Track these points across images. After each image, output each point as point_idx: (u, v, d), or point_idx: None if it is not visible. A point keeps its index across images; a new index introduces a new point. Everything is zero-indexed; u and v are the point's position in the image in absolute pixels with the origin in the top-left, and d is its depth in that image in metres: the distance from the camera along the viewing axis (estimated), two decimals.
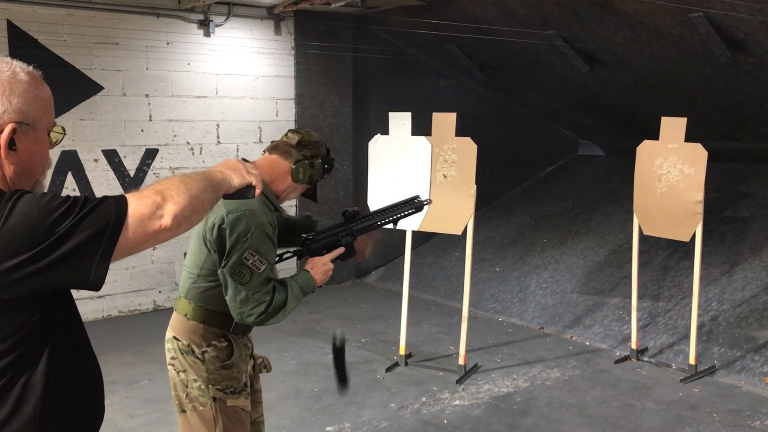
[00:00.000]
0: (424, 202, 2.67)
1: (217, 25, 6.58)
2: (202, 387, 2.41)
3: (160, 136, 6.43)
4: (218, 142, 6.75)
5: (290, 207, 7.21)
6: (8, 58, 1.42)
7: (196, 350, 2.42)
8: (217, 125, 6.74)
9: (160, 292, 6.54)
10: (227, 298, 2.34)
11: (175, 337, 2.47)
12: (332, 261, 2.50)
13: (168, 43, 6.38)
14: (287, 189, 2.52)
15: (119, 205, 1.35)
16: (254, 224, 2.30)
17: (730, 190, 7.01)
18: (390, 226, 2.66)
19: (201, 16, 6.50)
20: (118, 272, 6.28)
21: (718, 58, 5.66)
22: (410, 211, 2.65)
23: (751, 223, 6.45)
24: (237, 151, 6.86)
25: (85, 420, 1.52)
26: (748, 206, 6.73)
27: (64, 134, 1.53)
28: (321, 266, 2.46)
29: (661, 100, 6.93)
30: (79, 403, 1.48)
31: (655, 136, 5.16)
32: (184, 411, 2.46)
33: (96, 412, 1.56)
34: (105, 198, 1.36)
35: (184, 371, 2.44)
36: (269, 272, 2.34)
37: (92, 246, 1.31)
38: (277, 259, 2.46)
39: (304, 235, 2.50)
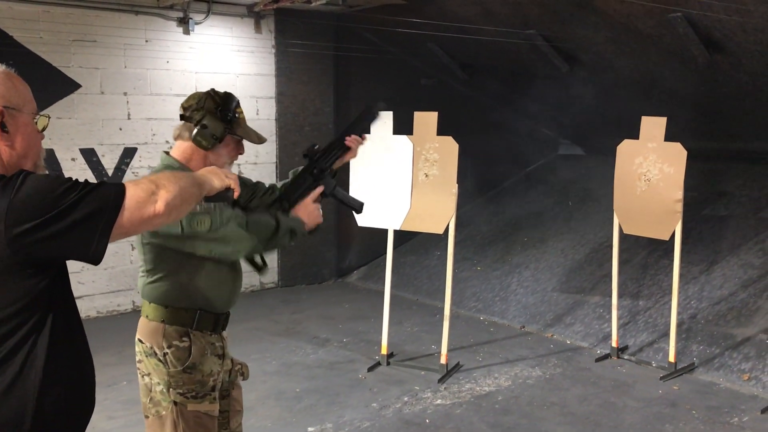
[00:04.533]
0: (378, 108, 2.70)
1: (196, 23, 6.52)
2: (164, 391, 2.32)
3: (139, 134, 6.36)
4: None
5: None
6: None
7: (158, 352, 2.32)
8: None
9: (138, 292, 6.46)
10: (214, 253, 2.29)
11: (140, 340, 2.38)
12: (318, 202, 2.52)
13: (147, 41, 6.31)
14: (209, 161, 2.36)
15: (118, 188, 1.49)
16: None
17: (708, 189, 7.08)
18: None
19: (180, 14, 6.44)
20: (96, 272, 6.21)
21: (696, 58, 5.71)
22: (368, 119, 2.71)
23: (729, 222, 6.52)
24: None
25: (80, 403, 1.60)
26: (725, 205, 6.80)
27: (49, 118, 1.63)
28: (304, 208, 2.48)
29: (640, 100, 6.98)
30: (74, 384, 1.57)
31: (634, 135, 5.19)
32: (147, 417, 2.39)
33: (89, 396, 1.64)
34: (104, 182, 1.50)
35: (148, 374, 2.36)
36: (226, 210, 2.29)
37: (94, 221, 1.44)
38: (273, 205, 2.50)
39: (280, 202, 2.49)
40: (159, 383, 2.34)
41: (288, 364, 5.19)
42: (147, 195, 1.50)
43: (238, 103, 2.42)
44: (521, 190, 8.81)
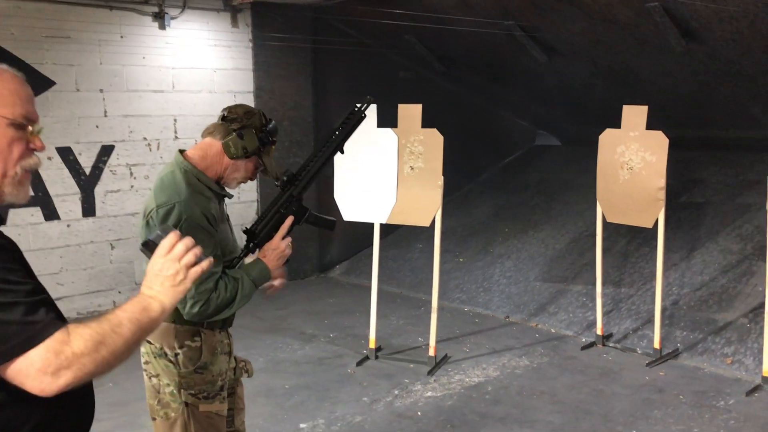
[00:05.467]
0: (363, 107, 2.48)
1: (172, 18, 6.42)
2: (174, 392, 2.31)
3: (116, 132, 6.26)
4: (176, 137, 6.60)
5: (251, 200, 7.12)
6: None
7: (169, 353, 2.31)
8: (175, 120, 6.59)
9: (119, 292, 6.38)
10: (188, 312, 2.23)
11: (147, 341, 2.35)
12: (289, 233, 2.37)
13: (122, 37, 6.20)
14: (227, 169, 2.37)
15: (31, 335, 1.28)
16: (184, 216, 2.20)
17: (685, 176, 7.17)
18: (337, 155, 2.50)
19: (155, 9, 6.33)
20: (75, 273, 6.10)
21: (673, 47, 5.77)
22: (351, 128, 2.47)
23: (706, 209, 6.61)
24: None
25: (79, 415, 1.51)
26: (702, 192, 6.90)
27: (41, 129, 1.48)
28: (271, 252, 2.35)
29: (617, 90, 7.04)
30: (74, 397, 1.44)
31: (611, 125, 5.24)
32: (155, 419, 2.37)
33: (89, 408, 1.55)
34: (36, 325, 1.29)
35: (157, 376, 2.34)
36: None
37: None
38: (236, 260, 2.35)
39: (247, 228, 2.40)
40: (169, 384, 2.32)
41: (276, 361, 5.16)
42: (52, 368, 1.27)
43: (277, 133, 2.44)
44: (499, 181, 8.85)
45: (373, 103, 2.62)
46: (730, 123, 7.03)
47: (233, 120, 2.36)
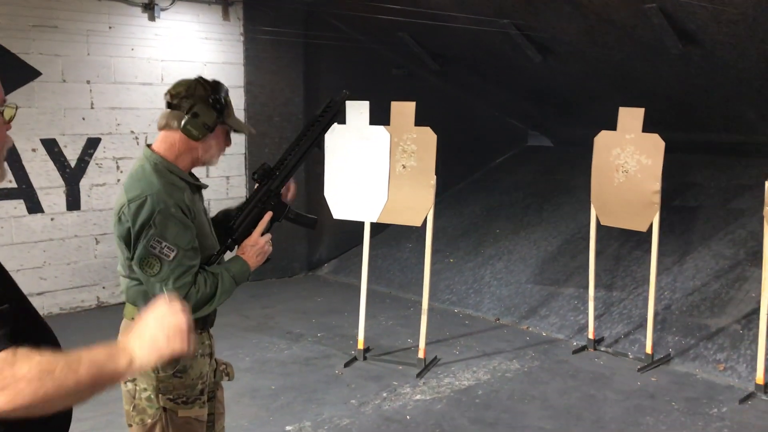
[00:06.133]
0: (338, 99, 2.40)
1: (162, 9, 6.30)
2: (152, 396, 2.20)
3: (103, 124, 6.13)
4: None
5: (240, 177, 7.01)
6: None
7: None
8: None
9: (104, 287, 6.26)
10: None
11: None
12: (269, 229, 2.32)
13: (110, 27, 6.07)
14: (198, 153, 2.24)
15: None
16: (157, 208, 2.10)
17: (678, 180, 7.12)
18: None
19: (146, 0, 6.21)
20: (59, 267, 5.98)
21: (669, 49, 5.71)
22: (327, 122, 2.40)
23: (699, 213, 6.57)
24: None
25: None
26: (695, 196, 6.86)
27: (16, 108, 1.42)
28: (250, 248, 2.29)
29: (611, 91, 6.98)
30: None
31: (604, 126, 5.17)
32: (131, 425, 2.27)
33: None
34: None
35: (133, 380, 2.24)
36: (185, 259, 2.12)
37: None
38: (213, 257, 2.27)
39: (229, 225, 2.33)
40: (146, 389, 2.21)
41: (262, 361, 5.06)
42: None
43: (227, 91, 2.29)
44: (491, 181, 8.78)
45: (350, 99, 2.58)
46: (725, 127, 6.99)
47: (179, 101, 2.21)
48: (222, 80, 2.25)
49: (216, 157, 2.31)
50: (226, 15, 6.77)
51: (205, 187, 2.40)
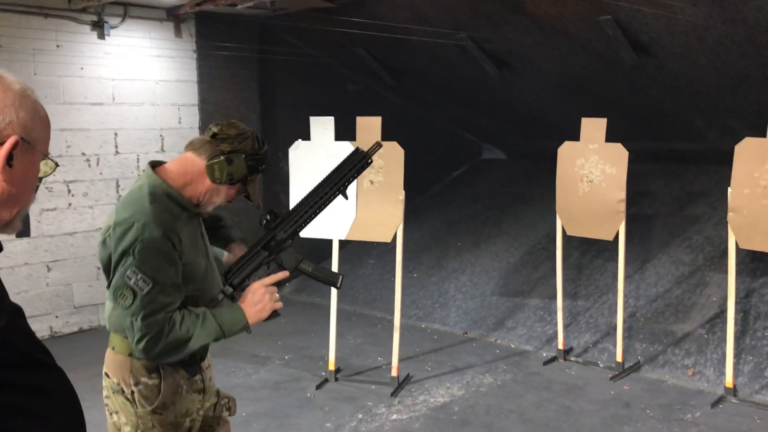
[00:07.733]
0: (370, 152, 2.24)
1: (112, 27, 6.11)
2: None
3: (52, 146, 5.84)
4: (117, 152, 6.27)
5: None
6: (9, 73, 1.19)
7: (125, 390, 2.07)
8: (115, 134, 6.26)
9: (57, 317, 5.99)
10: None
11: (106, 374, 2.13)
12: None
13: (58, 46, 5.85)
14: (207, 191, 2.13)
15: None
16: (142, 237, 1.95)
17: (632, 189, 7.19)
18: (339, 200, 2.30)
19: (94, 17, 6.01)
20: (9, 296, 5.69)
21: (624, 60, 5.82)
22: (351, 173, 2.26)
23: (655, 221, 6.69)
24: (138, 161, 6.41)
25: None
26: (650, 204, 6.98)
27: (55, 168, 1.27)
28: (250, 296, 2.09)
29: (567, 103, 7.07)
30: None
31: (559, 138, 5.22)
32: None
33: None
34: None
35: (117, 413, 2.11)
36: (162, 295, 1.96)
37: None
38: (212, 300, 2.13)
39: (225, 271, 2.17)
40: (127, 424, 2.08)
41: (229, 387, 4.88)
42: None
43: (269, 159, 2.21)
44: (448, 195, 8.79)
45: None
46: (674, 135, 7.15)
47: (223, 140, 2.12)
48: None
49: (214, 206, 2.20)
50: (178, 32, 6.62)
51: (204, 215, 2.27)
